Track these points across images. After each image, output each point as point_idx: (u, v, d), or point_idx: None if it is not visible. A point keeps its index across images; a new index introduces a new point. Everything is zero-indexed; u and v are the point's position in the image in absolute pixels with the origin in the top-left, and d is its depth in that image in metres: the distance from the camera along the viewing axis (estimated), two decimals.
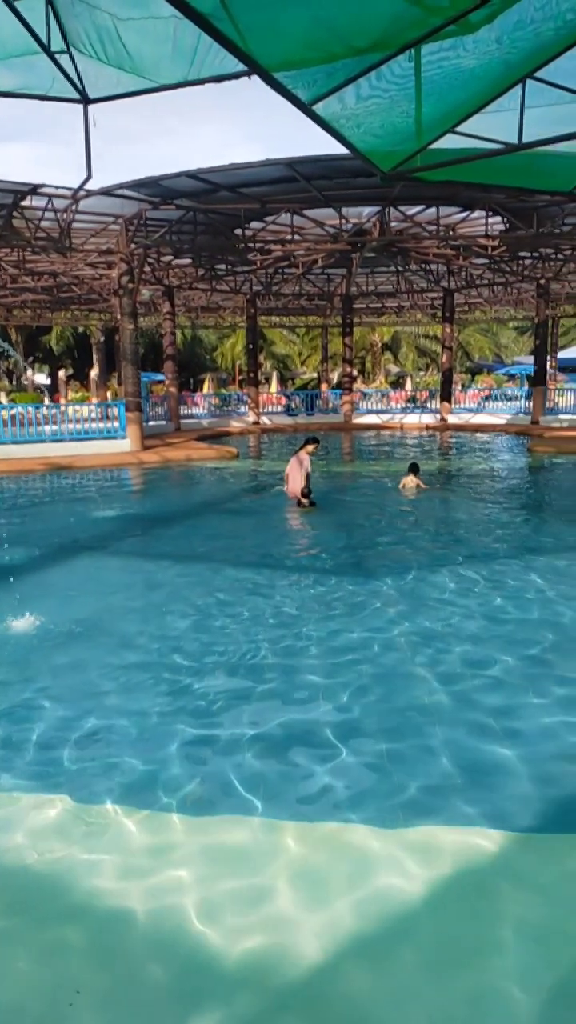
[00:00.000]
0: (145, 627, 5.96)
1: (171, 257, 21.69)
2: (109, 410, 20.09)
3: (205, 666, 5.11)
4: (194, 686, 4.78)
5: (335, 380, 40.26)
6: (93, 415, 19.94)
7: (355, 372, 35.70)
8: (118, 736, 4.17)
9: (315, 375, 44.86)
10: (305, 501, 10.80)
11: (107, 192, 14.97)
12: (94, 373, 36.53)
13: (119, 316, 18.78)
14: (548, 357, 29.32)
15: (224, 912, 2.83)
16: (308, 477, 11.09)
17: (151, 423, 23.32)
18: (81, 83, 5.37)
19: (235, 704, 4.52)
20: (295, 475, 11.02)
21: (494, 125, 6.18)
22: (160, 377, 34.47)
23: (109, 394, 31.56)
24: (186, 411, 28.60)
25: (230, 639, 5.62)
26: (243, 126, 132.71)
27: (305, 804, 3.53)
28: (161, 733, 4.19)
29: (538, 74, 5.62)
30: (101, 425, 19.41)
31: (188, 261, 22.38)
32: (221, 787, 3.66)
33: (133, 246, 17.90)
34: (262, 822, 3.38)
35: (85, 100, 5.55)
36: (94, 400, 28.10)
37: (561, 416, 24.90)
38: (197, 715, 4.38)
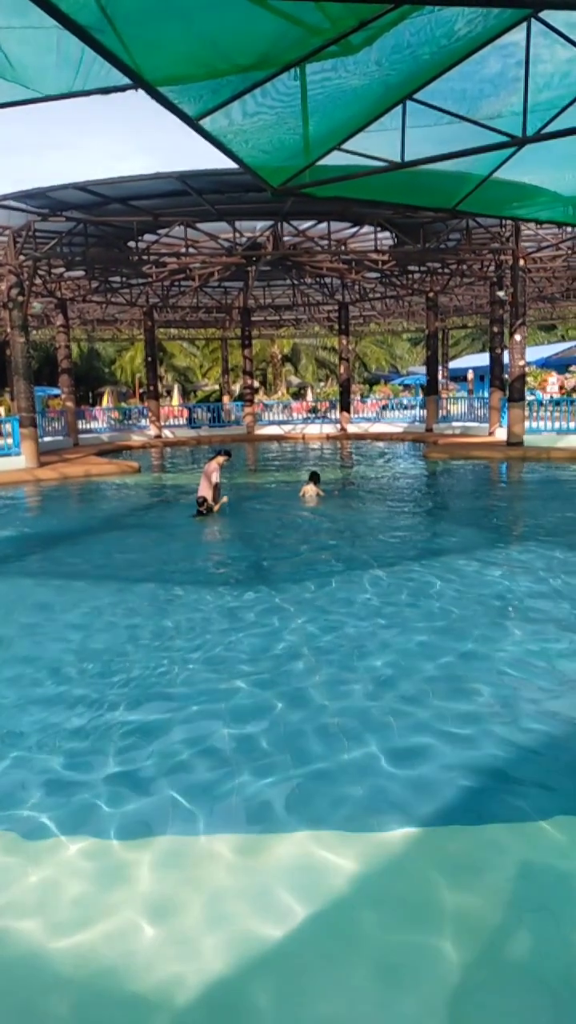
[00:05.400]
0: (38, 648, 5.80)
1: (63, 269, 21.23)
2: (2, 426, 19.40)
3: (101, 683, 5.01)
4: (91, 704, 4.68)
5: (237, 392, 40.37)
6: None
7: (256, 384, 35.90)
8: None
9: (217, 387, 44.80)
10: (203, 509, 10.84)
11: None
12: None
13: (9, 329, 18.19)
14: (439, 367, 30.43)
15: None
16: (217, 488, 11.11)
17: (47, 439, 22.69)
18: None
19: (135, 721, 4.45)
20: (203, 486, 11.04)
21: (378, 143, 6.41)
22: (56, 391, 33.56)
23: (2, 410, 30.45)
24: (85, 426, 27.97)
25: (130, 653, 5.53)
26: (134, 138, 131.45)
27: (220, 818, 3.52)
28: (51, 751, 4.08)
29: (417, 96, 5.88)
30: None
31: (81, 273, 21.97)
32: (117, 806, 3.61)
33: (22, 258, 17.41)
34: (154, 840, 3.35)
35: None
36: None
37: (453, 423, 25.88)
38: (86, 733, 4.29)
